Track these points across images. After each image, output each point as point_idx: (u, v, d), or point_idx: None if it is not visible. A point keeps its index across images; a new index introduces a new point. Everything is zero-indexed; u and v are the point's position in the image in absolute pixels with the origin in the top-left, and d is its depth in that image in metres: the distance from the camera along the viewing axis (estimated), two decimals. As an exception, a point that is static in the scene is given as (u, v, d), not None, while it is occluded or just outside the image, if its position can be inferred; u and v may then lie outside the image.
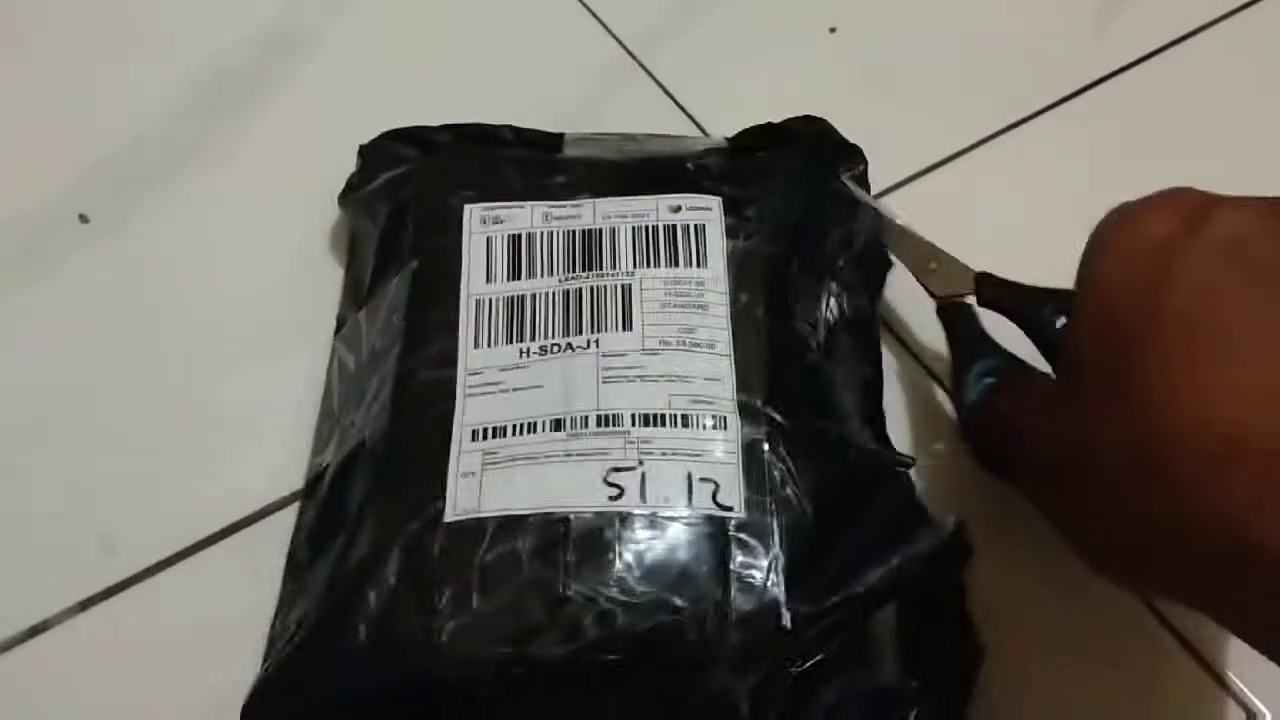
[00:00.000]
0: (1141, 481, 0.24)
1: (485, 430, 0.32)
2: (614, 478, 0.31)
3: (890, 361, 0.38)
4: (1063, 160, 0.44)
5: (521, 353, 0.33)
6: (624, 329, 0.33)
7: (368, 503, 0.32)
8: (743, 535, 0.30)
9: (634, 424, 0.31)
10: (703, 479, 0.31)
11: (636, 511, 0.30)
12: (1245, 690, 0.33)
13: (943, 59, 0.47)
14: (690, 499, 0.30)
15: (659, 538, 0.30)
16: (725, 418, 0.32)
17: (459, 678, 0.29)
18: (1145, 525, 0.25)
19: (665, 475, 0.31)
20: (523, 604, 0.29)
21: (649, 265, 0.34)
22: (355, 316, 0.37)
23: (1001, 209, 0.42)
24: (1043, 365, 0.33)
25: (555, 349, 0.33)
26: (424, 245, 0.36)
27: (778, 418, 0.32)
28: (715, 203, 0.36)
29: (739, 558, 0.30)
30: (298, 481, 0.36)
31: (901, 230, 0.37)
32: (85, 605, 0.34)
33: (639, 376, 0.32)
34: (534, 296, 0.34)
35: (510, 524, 0.30)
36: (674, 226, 0.35)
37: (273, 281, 0.41)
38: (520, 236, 0.35)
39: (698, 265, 0.34)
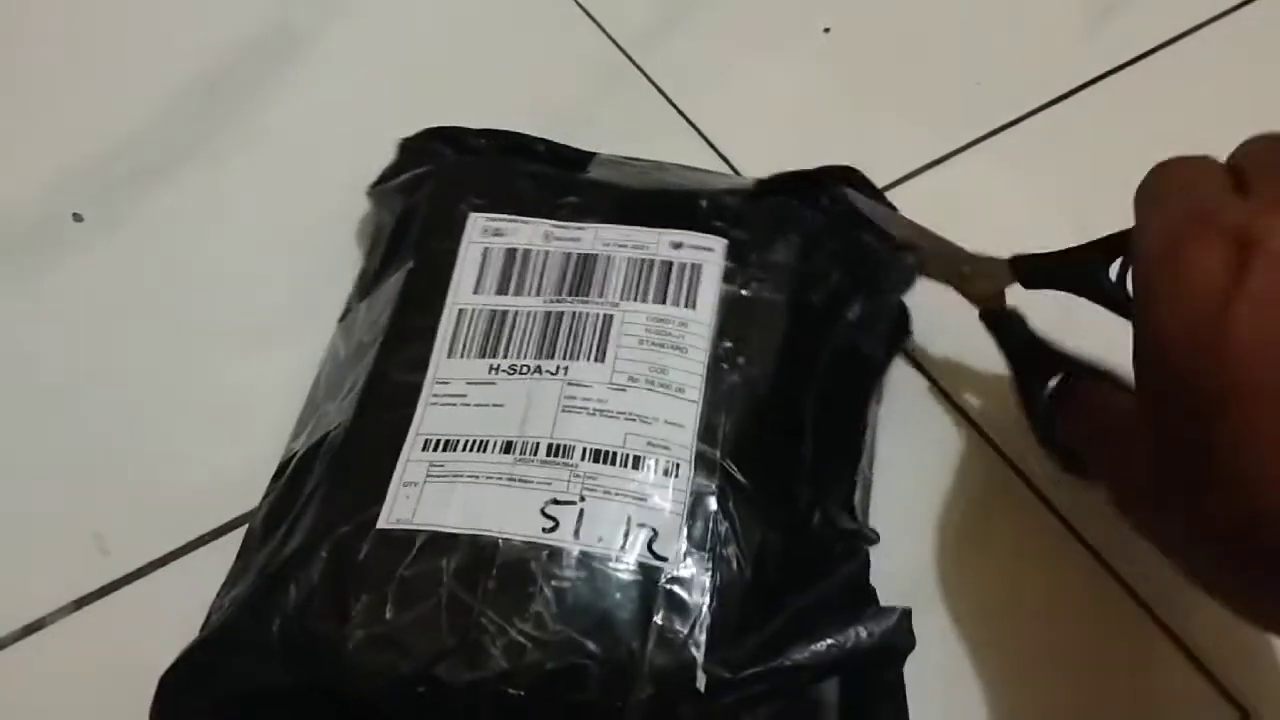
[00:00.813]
0: (1240, 547, 0.24)
1: (437, 442, 0.31)
2: (552, 509, 0.30)
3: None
4: (1056, 160, 0.44)
5: (491, 369, 0.33)
6: (596, 360, 0.33)
7: (313, 495, 0.32)
8: (673, 589, 0.29)
9: (584, 458, 0.31)
10: (641, 524, 0.30)
11: (567, 548, 0.29)
12: (1238, 688, 0.33)
13: (936, 59, 0.47)
14: (625, 543, 0.29)
15: (585, 578, 0.29)
16: (679, 465, 0.31)
17: (361, 688, 0.28)
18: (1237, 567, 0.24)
19: (604, 515, 0.30)
20: (435, 624, 0.28)
21: (635, 299, 0.34)
22: (357, 306, 0.38)
23: (994, 209, 0.42)
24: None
25: (525, 370, 0.33)
26: (424, 246, 0.36)
27: (735, 473, 0.31)
28: (719, 245, 0.35)
29: (664, 611, 0.29)
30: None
31: (922, 236, 0.36)
32: (80, 604, 0.34)
33: (599, 410, 0.32)
34: (516, 314, 0.34)
35: (439, 541, 0.30)
36: (670, 263, 0.34)
37: (268, 280, 0.41)
38: (516, 252, 0.35)
39: (685, 305, 0.34)
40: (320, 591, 0.29)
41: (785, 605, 0.30)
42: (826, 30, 0.47)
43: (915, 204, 0.39)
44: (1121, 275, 0.31)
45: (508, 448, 0.31)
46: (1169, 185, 0.27)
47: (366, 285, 0.38)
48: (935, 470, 0.37)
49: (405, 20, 0.48)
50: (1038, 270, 0.34)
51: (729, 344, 0.33)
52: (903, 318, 0.39)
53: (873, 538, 0.33)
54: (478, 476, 0.31)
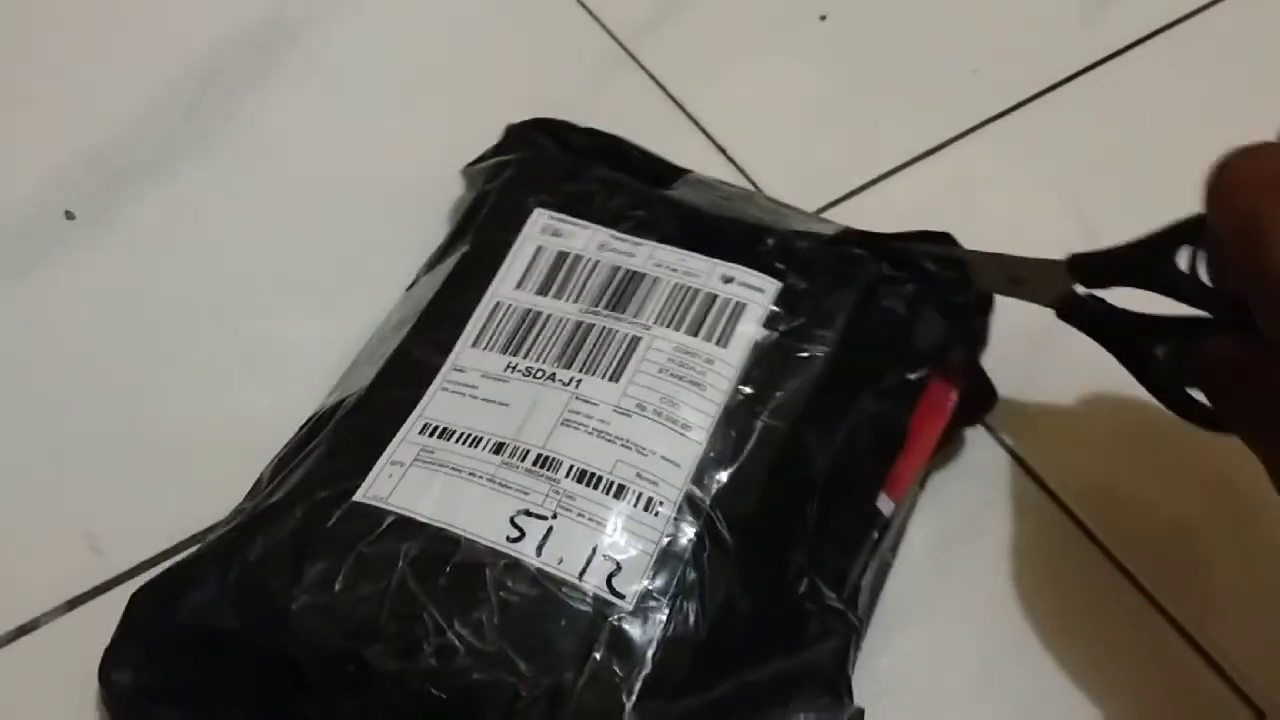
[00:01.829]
0: None
1: (436, 428, 0.31)
2: (521, 520, 0.29)
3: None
4: (1053, 147, 0.44)
5: (508, 367, 0.32)
6: (610, 379, 0.32)
7: (310, 455, 0.32)
8: (622, 629, 0.28)
9: (568, 475, 0.30)
10: (606, 556, 0.29)
11: (526, 562, 0.29)
12: (1253, 690, 0.33)
13: (933, 47, 0.47)
14: (584, 570, 0.29)
15: (535, 597, 0.28)
16: (662, 504, 0.30)
17: (293, 651, 0.28)
18: None
19: (571, 537, 0.29)
20: (377, 606, 0.28)
21: (668, 325, 0.33)
22: (422, 279, 0.38)
23: (994, 195, 0.42)
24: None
25: (539, 375, 0.32)
26: (484, 233, 0.36)
27: (720, 526, 0.30)
28: (771, 287, 0.34)
29: (605, 650, 0.28)
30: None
31: (972, 254, 0.35)
32: (73, 604, 0.33)
33: (598, 431, 0.31)
34: (548, 317, 0.33)
35: (405, 525, 0.29)
36: (714, 296, 0.33)
37: (263, 282, 0.40)
38: (567, 255, 0.35)
39: (716, 342, 0.32)
40: (282, 549, 0.30)
41: (735, 674, 0.28)
42: (823, 19, 0.47)
43: (913, 192, 0.39)
44: (1193, 264, 0.30)
45: (498, 448, 0.31)
46: (1255, 170, 0.27)
47: (433, 260, 0.38)
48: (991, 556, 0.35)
49: (399, 14, 0.48)
50: (1099, 268, 0.32)
51: (750, 390, 0.32)
52: (984, 389, 0.36)
53: (856, 623, 0.31)
54: (460, 470, 0.30)
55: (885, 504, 0.33)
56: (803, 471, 0.31)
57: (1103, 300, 0.33)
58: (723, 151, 0.43)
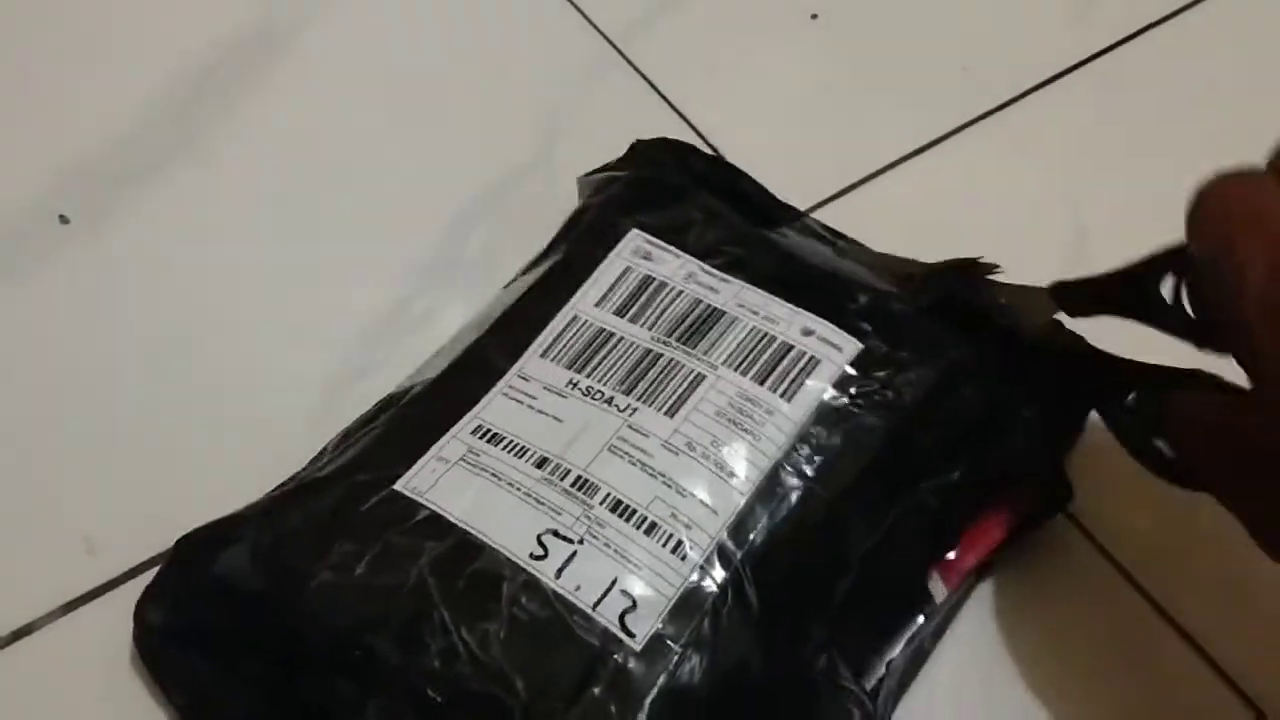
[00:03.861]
0: None
1: (486, 431, 0.31)
2: (548, 539, 0.29)
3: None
4: (1044, 144, 0.44)
5: (570, 383, 0.32)
6: (666, 413, 0.31)
7: (366, 435, 0.33)
8: (626, 668, 0.27)
9: (603, 503, 0.30)
10: (624, 591, 0.28)
11: (544, 582, 0.28)
12: (1254, 691, 0.33)
13: (923, 45, 0.47)
14: (599, 602, 0.28)
15: (546, 619, 0.28)
16: (691, 549, 0.29)
17: (304, 626, 0.29)
18: None
19: (593, 565, 0.29)
20: (392, 598, 0.29)
21: (736, 369, 0.32)
22: (517, 280, 0.38)
23: (986, 192, 0.42)
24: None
25: (598, 396, 0.32)
26: (576, 246, 0.36)
27: (747, 583, 0.29)
28: (851, 347, 0.32)
29: (604, 687, 0.27)
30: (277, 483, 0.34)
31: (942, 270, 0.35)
32: (69, 607, 0.33)
33: (643, 463, 0.30)
34: (619, 340, 0.33)
35: (435, 522, 0.29)
36: (790, 347, 0.32)
37: (259, 283, 0.40)
38: (652, 281, 0.34)
39: (781, 394, 0.31)
40: (316, 523, 0.30)
41: (731, 738, 0.28)
42: (814, 17, 0.47)
43: (904, 190, 0.38)
44: (1177, 293, 0.29)
45: (541, 463, 0.30)
46: (1229, 199, 0.26)
47: (530, 264, 0.38)
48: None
49: (389, 16, 0.48)
50: (1083, 296, 0.32)
51: (805, 451, 0.31)
52: (1060, 489, 0.35)
53: (870, 709, 0.29)
54: (500, 478, 0.30)
55: (937, 588, 0.32)
56: (840, 546, 0.30)
57: (1081, 338, 0.33)
58: (715, 150, 0.44)
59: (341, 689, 0.28)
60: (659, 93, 0.45)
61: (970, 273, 0.35)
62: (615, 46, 0.46)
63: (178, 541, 0.32)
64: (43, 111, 0.44)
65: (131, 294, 0.40)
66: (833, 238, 0.39)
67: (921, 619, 0.32)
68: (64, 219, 0.40)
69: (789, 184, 0.41)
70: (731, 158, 0.43)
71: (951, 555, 0.32)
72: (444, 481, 0.30)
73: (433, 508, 0.30)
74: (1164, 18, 0.48)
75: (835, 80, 0.46)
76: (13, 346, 0.38)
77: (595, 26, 0.47)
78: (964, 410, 0.33)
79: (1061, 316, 0.33)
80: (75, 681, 0.32)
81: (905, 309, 0.34)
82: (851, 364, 0.32)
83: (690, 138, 0.44)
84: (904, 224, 0.36)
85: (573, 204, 0.39)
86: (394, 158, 0.43)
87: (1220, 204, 0.26)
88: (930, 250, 0.36)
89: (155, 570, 0.32)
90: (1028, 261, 0.34)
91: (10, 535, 0.34)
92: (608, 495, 0.30)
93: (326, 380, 0.37)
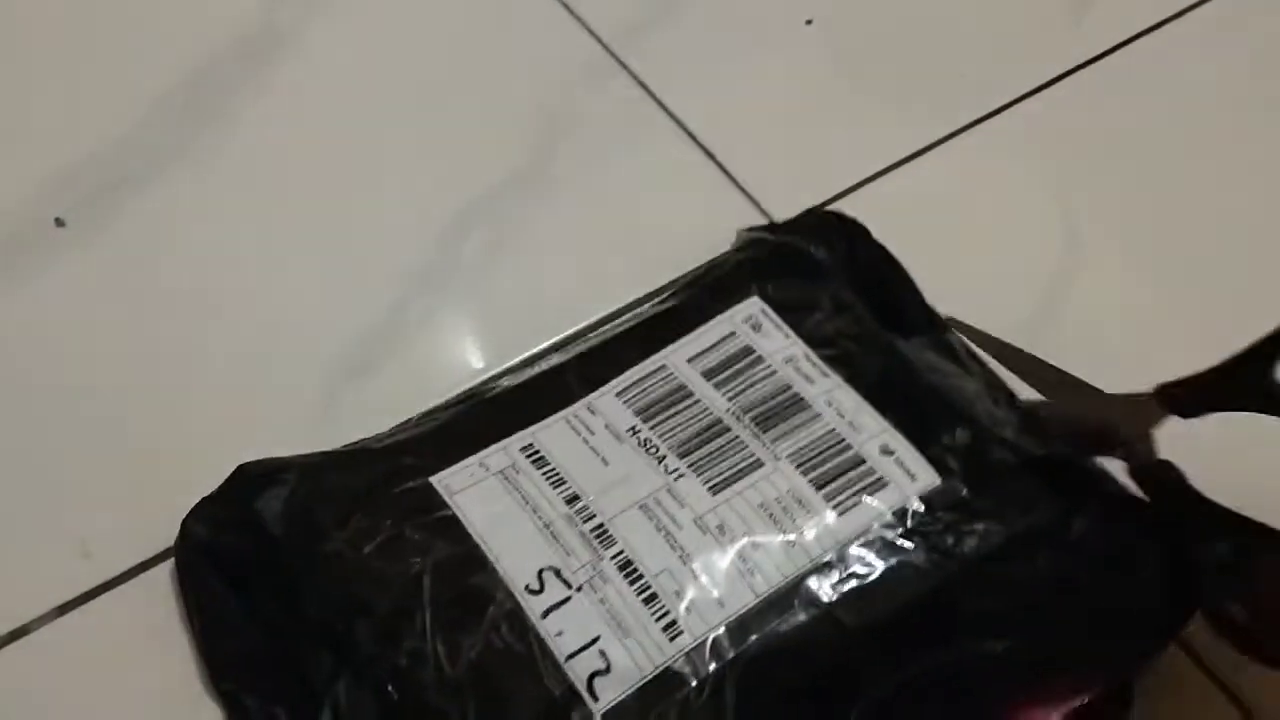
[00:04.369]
0: None
1: (535, 452, 0.31)
2: (548, 576, 0.29)
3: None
4: (1041, 147, 0.44)
5: (631, 430, 0.32)
6: (711, 489, 0.30)
7: (434, 420, 0.33)
8: (579, 729, 0.27)
9: (614, 558, 0.29)
10: (603, 652, 0.28)
11: (529, 618, 0.28)
12: (1241, 688, 0.33)
13: (919, 49, 0.47)
14: (575, 655, 0.28)
15: (518, 655, 0.28)
16: (683, 633, 0.28)
17: (303, 585, 0.30)
18: None
19: (581, 618, 0.28)
20: (386, 585, 0.29)
21: (797, 466, 0.31)
22: (641, 310, 0.38)
23: (980, 196, 0.42)
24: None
25: (652, 450, 0.31)
26: (693, 298, 0.35)
27: (727, 688, 0.27)
28: (928, 479, 0.30)
29: (551, 740, 0.27)
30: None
31: (1044, 375, 0.34)
32: (63, 609, 0.33)
33: (667, 531, 0.29)
34: (694, 403, 0.32)
35: (453, 526, 0.30)
36: (860, 460, 0.31)
37: (257, 285, 0.40)
38: (750, 352, 0.33)
39: (834, 506, 0.30)
40: (348, 491, 0.31)
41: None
42: (809, 23, 0.47)
43: (900, 194, 0.38)
44: None
45: (572, 500, 0.30)
46: None
47: (650, 295, 0.38)
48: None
49: (386, 21, 0.47)
50: (1193, 395, 0.30)
51: (835, 578, 0.29)
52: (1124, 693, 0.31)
53: None
54: (526, 502, 0.30)
55: None
56: (844, 681, 0.28)
57: (1181, 474, 0.31)
58: (710, 155, 0.43)
59: (322, 658, 0.29)
60: (655, 98, 0.45)
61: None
62: (612, 52, 0.46)
63: (238, 467, 0.34)
64: (40, 115, 0.43)
65: (127, 297, 0.39)
66: (970, 362, 0.36)
67: None
68: (60, 222, 0.40)
69: (783, 189, 0.41)
70: (727, 162, 0.43)
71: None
72: (476, 488, 0.30)
73: (455, 510, 0.30)
74: (1158, 24, 0.48)
75: (830, 85, 0.46)
76: (8, 349, 0.38)
77: (592, 32, 0.47)
78: (1032, 580, 0.30)
79: (1174, 420, 0.31)
80: (72, 682, 0.32)
81: (1005, 456, 0.32)
82: (922, 496, 0.30)
83: (685, 142, 0.44)
84: (898, 228, 0.36)
85: (571, 210, 0.40)
86: (392, 162, 0.43)
87: None
88: (929, 251, 0.36)
89: (150, 573, 0.33)
90: (1025, 261, 0.34)
91: (6, 537, 0.34)
92: (620, 552, 0.29)
93: (324, 382, 0.37)
